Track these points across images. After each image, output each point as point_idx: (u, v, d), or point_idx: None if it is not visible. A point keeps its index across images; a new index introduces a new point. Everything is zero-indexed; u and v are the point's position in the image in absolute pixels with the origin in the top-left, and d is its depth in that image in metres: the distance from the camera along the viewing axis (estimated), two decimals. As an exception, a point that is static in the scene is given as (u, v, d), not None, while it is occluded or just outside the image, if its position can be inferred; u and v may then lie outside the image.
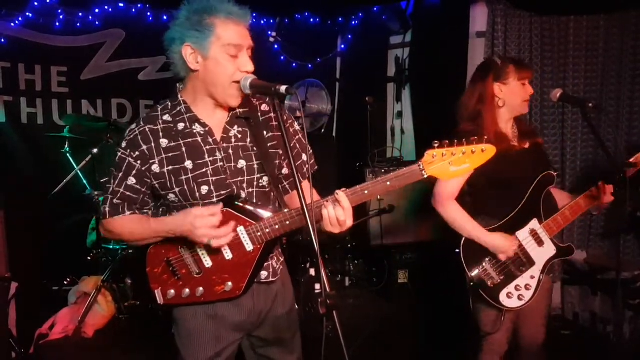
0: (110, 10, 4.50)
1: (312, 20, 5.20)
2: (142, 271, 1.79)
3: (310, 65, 5.29)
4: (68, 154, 4.10)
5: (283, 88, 1.55)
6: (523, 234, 2.34)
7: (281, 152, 1.83)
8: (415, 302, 3.92)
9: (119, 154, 1.76)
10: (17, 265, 3.21)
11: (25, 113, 4.41)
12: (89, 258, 4.01)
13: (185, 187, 1.72)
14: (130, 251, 3.73)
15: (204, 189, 1.73)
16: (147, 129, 1.73)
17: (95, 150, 3.92)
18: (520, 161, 2.34)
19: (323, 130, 5.18)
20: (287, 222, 1.70)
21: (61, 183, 4.01)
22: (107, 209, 1.78)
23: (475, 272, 2.32)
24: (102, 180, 1.84)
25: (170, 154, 1.73)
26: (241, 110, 1.79)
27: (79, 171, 4.06)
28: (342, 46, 5.44)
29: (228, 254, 1.74)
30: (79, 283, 3.92)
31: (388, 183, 1.66)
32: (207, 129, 1.75)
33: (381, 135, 5.08)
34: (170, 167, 1.72)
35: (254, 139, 1.79)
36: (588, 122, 2.38)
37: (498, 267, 2.33)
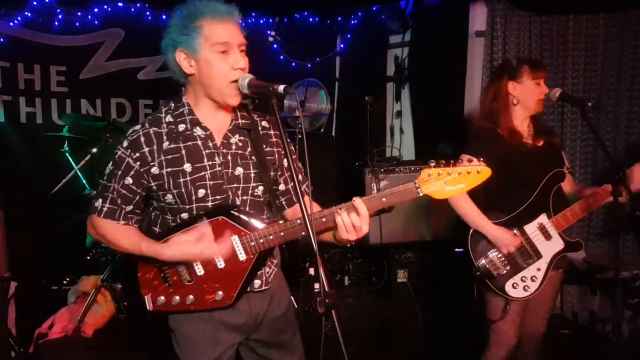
0: (109, 9, 4.49)
1: (311, 19, 5.20)
2: (133, 276, 1.78)
3: (309, 65, 5.28)
4: (67, 154, 4.09)
5: (281, 87, 1.55)
6: (531, 228, 2.43)
7: (277, 166, 1.86)
8: (414, 302, 3.92)
9: (119, 152, 1.75)
10: (16, 264, 3.21)
11: (24, 112, 4.40)
12: (88, 257, 3.99)
13: (183, 189, 1.73)
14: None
15: (201, 192, 1.73)
16: (152, 132, 1.74)
17: (94, 150, 3.91)
18: (532, 158, 2.42)
19: (322, 130, 5.18)
20: (282, 233, 1.70)
21: (60, 182, 4.00)
22: (104, 208, 1.76)
23: (481, 262, 2.41)
24: (101, 181, 1.83)
25: (169, 156, 1.73)
26: (243, 121, 1.82)
27: (78, 171, 4.05)
28: (342, 45, 5.44)
29: (220, 263, 1.74)
30: (78, 282, 3.92)
31: (383, 199, 1.68)
32: (208, 132, 1.76)
33: (380, 135, 5.08)
34: (169, 169, 1.72)
35: (253, 149, 1.81)
36: (587, 122, 2.40)
37: (504, 258, 2.40)
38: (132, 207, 1.78)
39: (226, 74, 1.67)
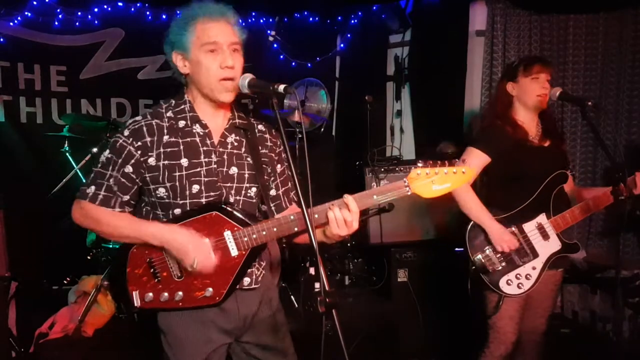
0: (110, 9, 4.49)
1: (311, 19, 5.20)
2: (121, 271, 1.75)
3: (309, 64, 5.28)
4: (67, 153, 4.09)
5: (281, 87, 1.57)
6: (529, 226, 2.45)
7: (270, 171, 1.89)
8: (414, 301, 3.91)
9: (120, 140, 1.75)
10: (16, 264, 3.21)
11: (25, 112, 4.40)
12: (89, 257, 4.00)
13: (177, 183, 1.74)
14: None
15: (195, 187, 1.75)
16: (154, 123, 1.76)
17: (94, 150, 3.90)
18: (536, 157, 2.45)
19: (322, 129, 5.18)
20: (275, 229, 1.72)
21: (60, 182, 4.00)
22: (99, 195, 1.74)
23: (477, 257, 2.43)
24: (94, 168, 1.81)
25: (168, 149, 1.75)
26: (240, 121, 1.86)
27: (78, 170, 4.05)
28: (342, 45, 5.44)
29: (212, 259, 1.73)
30: (79, 282, 3.92)
31: (374, 197, 1.72)
32: (206, 130, 1.79)
33: (380, 134, 5.08)
34: (166, 162, 1.74)
35: (249, 149, 1.84)
36: (587, 121, 2.41)
37: (500, 254, 2.41)
38: (128, 197, 1.77)
39: (214, 72, 1.70)
